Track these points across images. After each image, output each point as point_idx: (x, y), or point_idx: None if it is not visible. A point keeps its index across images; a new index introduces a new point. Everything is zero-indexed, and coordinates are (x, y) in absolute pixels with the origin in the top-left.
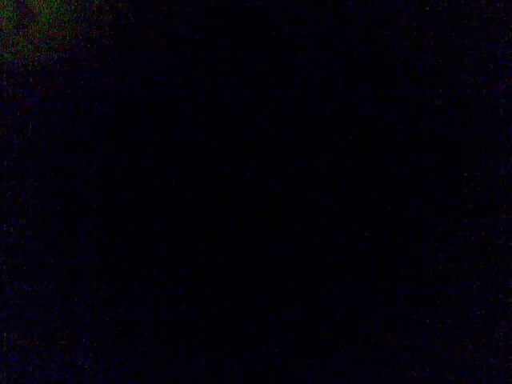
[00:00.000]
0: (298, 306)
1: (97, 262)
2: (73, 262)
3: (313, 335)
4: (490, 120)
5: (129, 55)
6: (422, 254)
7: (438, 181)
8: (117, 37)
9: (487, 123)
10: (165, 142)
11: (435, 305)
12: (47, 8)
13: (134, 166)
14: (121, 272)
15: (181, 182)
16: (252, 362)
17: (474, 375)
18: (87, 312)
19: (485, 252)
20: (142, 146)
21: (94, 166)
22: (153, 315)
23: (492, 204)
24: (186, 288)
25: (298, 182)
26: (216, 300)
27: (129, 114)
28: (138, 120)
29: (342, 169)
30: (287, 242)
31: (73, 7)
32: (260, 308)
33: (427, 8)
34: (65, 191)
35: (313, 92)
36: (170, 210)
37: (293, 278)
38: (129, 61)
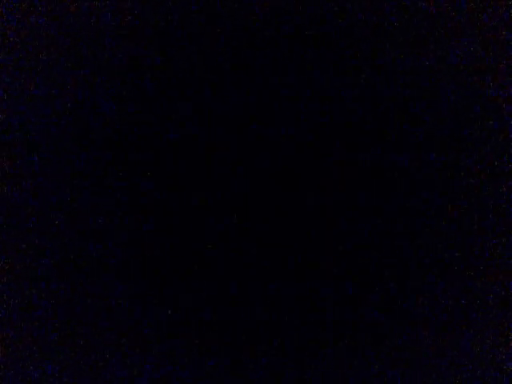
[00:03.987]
0: (298, 306)
1: (96, 262)
2: (73, 261)
3: (312, 335)
4: (489, 119)
5: (128, 55)
6: (421, 253)
7: (437, 180)
8: (116, 36)
9: (487, 122)
10: (164, 141)
11: (435, 305)
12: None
13: (134, 165)
14: (120, 272)
15: (181, 182)
16: (251, 363)
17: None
18: (87, 312)
19: (484, 251)
20: (142, 146)
21: (95, 165)
22: (153, 315)
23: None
24: (186, 288)
25: (297, 182)
26: (215, 300)
27: (128, 113)
28: (137, 120)
29: (340, 169)
30: (286, 241)
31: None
32: (260, 308)
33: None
34: (65, 192)
35: (311, 91)
36: (171, 211)
37: (292, 278)
38: (128, 60)
